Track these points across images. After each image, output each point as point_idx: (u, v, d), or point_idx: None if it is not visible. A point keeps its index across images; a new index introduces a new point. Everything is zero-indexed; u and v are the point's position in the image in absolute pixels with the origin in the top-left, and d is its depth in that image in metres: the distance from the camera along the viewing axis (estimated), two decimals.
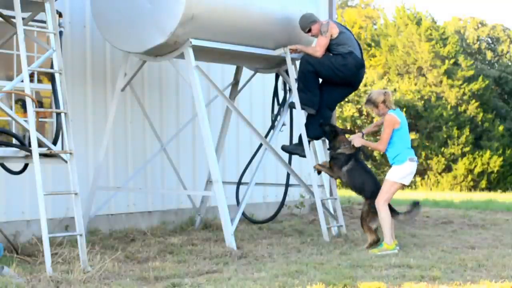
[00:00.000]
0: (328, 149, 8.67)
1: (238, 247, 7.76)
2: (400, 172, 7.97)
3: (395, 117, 7.99)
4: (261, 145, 9.59)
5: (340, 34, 8.75)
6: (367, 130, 8.64)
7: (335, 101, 9.15)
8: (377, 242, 8.01)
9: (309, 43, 9.13)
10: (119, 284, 5.88)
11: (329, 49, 8.82)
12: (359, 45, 8.98)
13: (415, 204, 8.13)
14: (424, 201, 15.27)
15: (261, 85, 10.94)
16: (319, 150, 9.43)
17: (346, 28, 9.11)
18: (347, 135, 8.48)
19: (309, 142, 8.91)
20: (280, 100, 9.85)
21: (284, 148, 9.18)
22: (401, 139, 8.01)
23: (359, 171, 8.29)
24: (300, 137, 8.99)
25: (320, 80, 8.99)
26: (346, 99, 30.42)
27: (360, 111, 32.55)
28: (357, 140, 8.24)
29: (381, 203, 7.93)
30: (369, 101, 8.14)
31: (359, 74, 8.95)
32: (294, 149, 9.09)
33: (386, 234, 7.89)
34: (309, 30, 8.88)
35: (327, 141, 9.35)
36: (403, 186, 8.09)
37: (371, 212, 8.04)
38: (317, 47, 8.77)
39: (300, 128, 8.97)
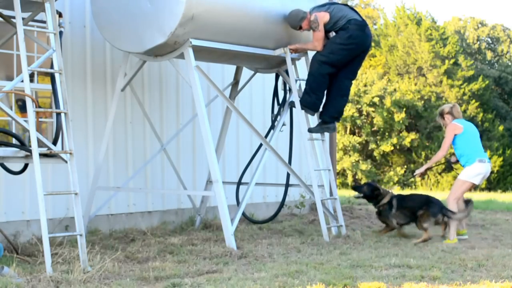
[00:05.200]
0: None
1: (238, 247, 7.75)
2: (469, 172, 8.82)
3: (455, 124, 8.92)
4: (261, 145, 9.59)
5: (331, 14, 8.72)
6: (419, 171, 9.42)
7: (353, 71, 9.02)
8: (428, 240, 8.55)
9: (308, 41, 9.13)
10: (119, 284, 5.88)
11: (330, 30, 8.81)
12: (352, 8, 8.94)
13: (468, 202, 8.89)
14: None
15: (261, 85, 10.95)
16: (319, 151, 9.43)
17: (331, 3, 9.05)
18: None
19: (318, 130, 8.94)
20: (280, 100, 9.85)
21: (310, 130, 9.05)
22: (466, 143, 8.88)
23: (405, 201, 9.05)
24: (321, 116, 9.00)
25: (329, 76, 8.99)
26: None
27: (360, 111, 32.56)
28: (419, 171, 9.30)
29: (451, 201, 8.76)
30: (438, 114, 9.24)
31: (368, 35, 8.84)
32: (319, 129, 9.04)
33: (452, 230, 8.65)
34: (300, 27, 8.89)
35: (327, 142, 9.35)
36: (473, 185, 8.99)
37: (426, 215, 8.70)
38: (315, 42, 8.79)
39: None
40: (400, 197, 9.22)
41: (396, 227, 9.10)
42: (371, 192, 9.22)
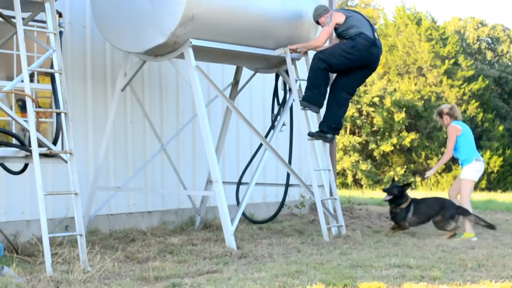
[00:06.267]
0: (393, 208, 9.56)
1: (238, 247, 7.75)
2: (470, 171, 9.30)
3: (455, 126, 9.33)
4: (261, 145, 9.59)
5: (347, 18, 8.76)
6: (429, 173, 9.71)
7: (352, 86, 9.02)
8: (454, 235, 9.12)
9: (309, 41, 9.13)
10: (119, 284, 5.88)
11: (341, 35, 8.86)
12: (371, 25, 8.90)
13: (490, 225, 9.40)
14: None
15: (261, 85, 10.95)
16: (319, 151, 9.42)
17: (354, 11, 9.05)
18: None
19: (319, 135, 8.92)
20: (280, 100, 9.85)
21: (310, 134, 9.01)
22: (464, 143, 9.29)
23: (421, 206, 9.44)
24: (319, 126, 8.99)
25: (334, 76, 8.99)
26: None
27: (360, 111, 32.56)
28: (428, 173, 9.63)
29: (465, 200, 9.28)
30: (436, 113, 9.59)
31: (372, 53, 8.81)
32: (318, 137, 9.00)
33: (467, 225, 9.19)
34: (318, 23, 9.02)
35: (327, 144, 9.33)
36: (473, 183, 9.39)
37: (444, 219, 9.21)
38: (319, 36, 8.83)
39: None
40: (416, 202, 9.52)
41: (407, 228, 9.45)
42: (400, 194, 9.46)
